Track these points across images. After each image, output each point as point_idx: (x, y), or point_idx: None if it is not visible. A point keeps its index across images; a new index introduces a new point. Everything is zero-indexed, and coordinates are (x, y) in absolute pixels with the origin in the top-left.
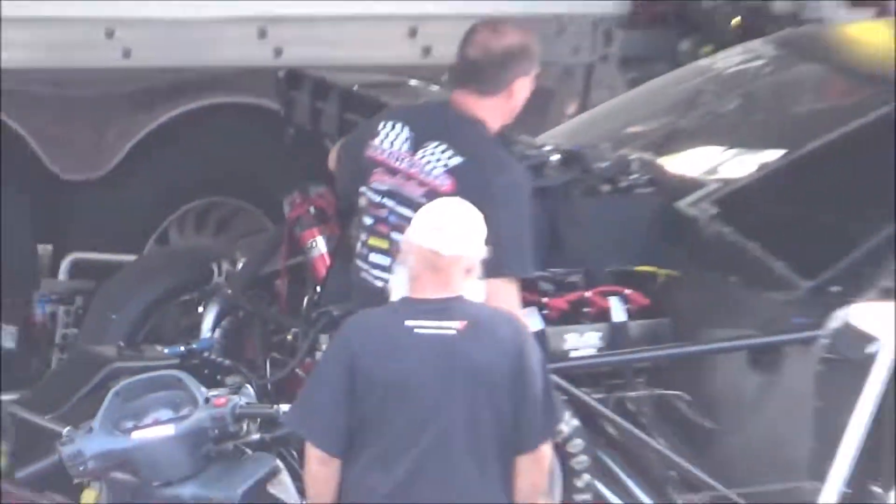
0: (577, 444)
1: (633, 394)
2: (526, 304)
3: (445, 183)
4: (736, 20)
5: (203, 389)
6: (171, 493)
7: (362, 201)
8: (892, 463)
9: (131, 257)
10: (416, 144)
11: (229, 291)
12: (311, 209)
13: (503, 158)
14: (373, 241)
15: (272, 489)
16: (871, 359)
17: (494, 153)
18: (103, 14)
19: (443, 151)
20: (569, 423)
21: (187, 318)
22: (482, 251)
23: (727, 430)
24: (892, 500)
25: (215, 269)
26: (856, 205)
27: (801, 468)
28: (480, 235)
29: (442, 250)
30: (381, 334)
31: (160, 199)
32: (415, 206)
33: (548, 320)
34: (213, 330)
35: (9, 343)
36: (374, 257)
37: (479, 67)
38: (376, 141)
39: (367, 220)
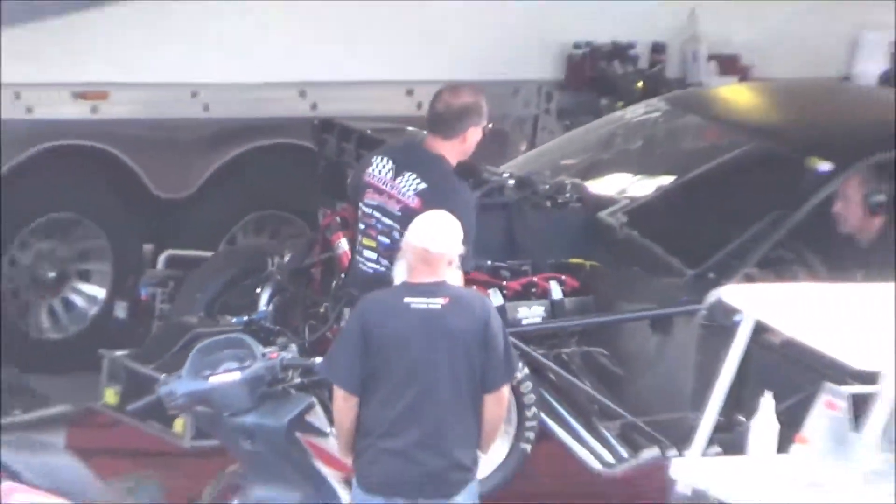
0: (527, 386)
1: (567, 350)
2: (490, 286)
3: (415, 201)
4: (640, 84)
5: (260, 347)
6: (237, 421)
7: (359, 213)
8: (753, 399)
9: (209, 253)
10: (397, 173)
11: (279, 277)
12: (338, 219)
13: (456, 185)
14: (365, 242)
15: (309, 418)
16: (736, 325)
17: (450, 181)
18: (190, 80)
19: (414, 179)
20: (521, 371)
21: (249, 297)
22: (459, 249)
23: (634, 376)
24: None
25: (269, 262)
26: (725, 215)
27: (687, 403)
28: (458, 238)
29: (431, 248)
30: (386, 308)
31: (230, 211)
32: (393, 218)
33: (506, 298)
34: (267, 305)
35: (122, 314)
36: (365, 252)
37: (442, 118)
38: (370, 170)
39: (361, 226)
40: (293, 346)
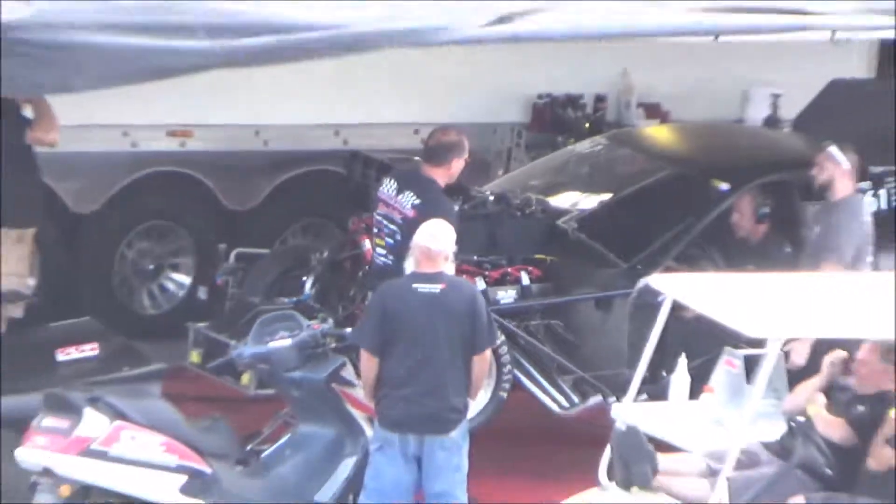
0: (504, 350)
1: (534, 322)
2: (476, 275)
3: (412, 213)
4: (587, 125)
5: (305, 321)
6: (289, 376)
7: (374, 221)
8: (672, 359)
9: (267, 251)
10: (399, 191)
11: (320, 269)
12: (363, 225)
13: (443, 201)
14: (377, 241)
15: (343, 373)
16: (659, 304)
17: (439, 198)
18: (253, 122)
19: (411, 196)
20: (500, 338)
21: (297, 283)
22: (453, 247)
23: (583, 342)
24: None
25: (312, 257)
26: (651, 223)
27: (623, 362)
28: (452, 240)
29: (433, 247)
30: (399, 292)
31: (283, 219)
32: (396, 224)
33: (488, 283)
34: (311, 289)
35: (203, 296)
36: (378, 250)
37: (434, 151)
38: (381, 188)
39: (375, 230)
40: (330, 320)
